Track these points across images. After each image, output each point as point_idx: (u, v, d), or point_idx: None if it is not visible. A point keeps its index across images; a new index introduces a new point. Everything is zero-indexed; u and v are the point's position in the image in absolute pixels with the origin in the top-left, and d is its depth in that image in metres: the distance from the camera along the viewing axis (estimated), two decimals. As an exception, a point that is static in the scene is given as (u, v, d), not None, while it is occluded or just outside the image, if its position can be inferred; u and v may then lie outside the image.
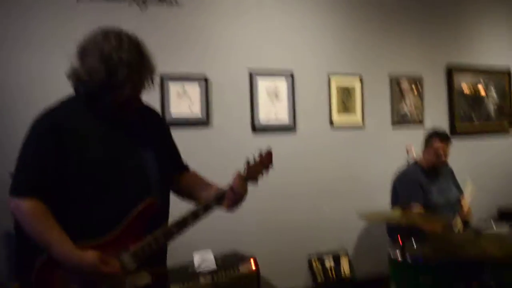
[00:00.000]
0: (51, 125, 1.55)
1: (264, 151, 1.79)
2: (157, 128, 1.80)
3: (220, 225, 3.29)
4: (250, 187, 3.24)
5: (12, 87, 2.89)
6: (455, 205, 3.32)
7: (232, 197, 1.68)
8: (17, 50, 2.92)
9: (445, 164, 3.38)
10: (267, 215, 3.49)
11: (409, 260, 2.45)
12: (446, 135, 3.40)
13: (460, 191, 3.46)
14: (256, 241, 3.39)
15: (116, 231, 1.55)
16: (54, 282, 1.51)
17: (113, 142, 1.61)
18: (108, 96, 1.54)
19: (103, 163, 1.56)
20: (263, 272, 3.18)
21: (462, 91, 4.50)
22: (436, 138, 3.32)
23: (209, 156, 3.22)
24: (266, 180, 3.42)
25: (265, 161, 1.77)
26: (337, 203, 3.73)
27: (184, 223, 1.62)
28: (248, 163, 1.74)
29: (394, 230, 3.08)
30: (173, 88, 3.25)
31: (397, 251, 2.53)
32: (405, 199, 3.07)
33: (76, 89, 1.61)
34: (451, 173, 3.55)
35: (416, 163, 3.41)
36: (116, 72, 1.49)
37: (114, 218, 1.56)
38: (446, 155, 3.32)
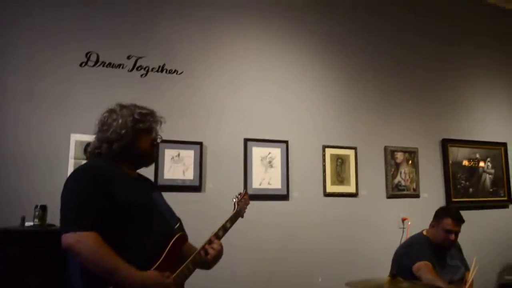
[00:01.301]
0: (96, 173, 1.81)
1: (242, 191, 2.37)
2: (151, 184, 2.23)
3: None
4: (242, 257, 3.22)
5: (11, 140, 2.99)
6: (460, 284, 3.11)
7: (213, 251, 1.98)
8: (18, 106, 3.04)
9: (453, 245, 3.15)
10: (257, 282, 3.39)
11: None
12: (460, 216, 3.14)
13: (467, 268, 3.26)
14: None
15: (158, 262, 1.79)
16: None
17: (138, 190, 1.93)
18: (139, 144, 1.94)
19: (139, 205, 1.85)
20: None
21: (458, 164, 4.53)
22: (448, 218, 3.08)
23: (201, 220, 3.19)
24: (258, 246, 3.44)
25: (245, 197, 2.32)
26: (330, 272, 3.62)
27: (200, 256, 1.95)
28: (235, 199, 2.26)
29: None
30: (168, 153, 3.31)
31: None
32: (413, 259, 2.92)
33: (101, 153, 1.92)
34: (458, 248, 3.35)
35: (422, 234, 3.24)
36: (144, 120, 1.95)
37: (153, 250, 1.81)
38: (456, 236, 3.11)
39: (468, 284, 3.06)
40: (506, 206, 4.80)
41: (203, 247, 1.97)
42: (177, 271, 1.85)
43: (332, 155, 3.84)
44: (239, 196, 2.30)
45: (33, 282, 2.49)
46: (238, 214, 2.24)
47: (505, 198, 4.80)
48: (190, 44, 3.54)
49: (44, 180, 2.92)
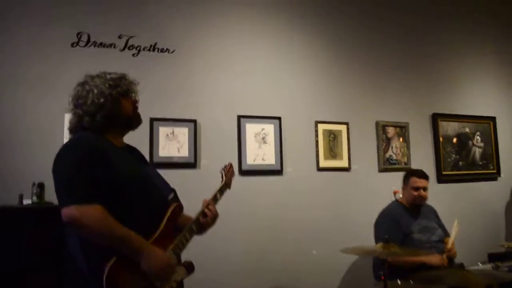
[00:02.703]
0: (90, 145, 1.75)
1: (227, 164, 2.37)
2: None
3: (203, 265, 3.26)
4: (237, 231, 3.28)
5: (7, 121, 3.02)
6: (439, 245, 3.31)
7: (210, 214, 2.03)
8: (13, 88, 3.05)
9: (425, 200, 3.44)
10: (252, 256, 3.46)
11: (393, 296, 2.43)
12: (422, 172, 3.50)
13: (445, 231, 3.47)
14: (240, 282, 3.34)
15: (157, 233, 1.79)
16: (122, 282, 1.64)
17: (131, 162, 1.90)
18: (121, 109, 1.88)
19: (134, 177, 1.82)
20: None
21: (448, 138, 4.60)
22: (413, 176, 3.44)
23: (197, 197, 3.23)
24: (253, 221, 3.50)
25: (231, 169, 2.35)
26: (324, 246, 3.71)
27: (198, 223, 1.98)
28: (222, 172, 2.28)
29: (378, 267, 3.06)
30: (162, 131, 3.34)
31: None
32: (380, 236, 3.08)
33: (86, 127, 1.84)
34: (434, 213, 3.60)
35: (397, 201, 3.51)
36: (119, 84, 1.89)
37: (150, 222, 1.81)
38: (425, 192, 3.40)
39: (449, 246, 3.21)
40: (495, 179, 4.90)
41: (202, 212, 2.01)
42: (175, 241, 1.87)
43: (324, 131, 3.89)
44: (225, 168, 2.34)
45: (33, 259, 2.52)
46: (227, 184, 2.27)
47: (494, 171, 4.90)
48: (181, 22, 3.55)
49: (40, 159, 2.92)
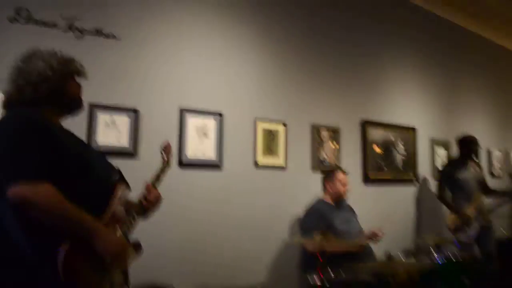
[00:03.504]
0: (33, 121, 1.64)
1: (165, 143, 2.38)
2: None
3: (139, 258, 3.23)
4: (175, 222, 3.27)
5: None
6: (358, 235, 3.64)
7: (152, 197, 2.05)
8: None
9: (346, 195, 3.82)
10: (189, 248, 3.47)
11: (328, 285, 2.57)
12: (343, 170, 3.93)
13: (359, 225, 3.82)
14: (176, 274, 3.35)
15: (107, 215, 1.74)
16: (79, 267, 1.57)
17: (73, 141, 1.81)
18: (68, 88, 1.80)
19: (79, 157, 1.72)
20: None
21: (375, 143, 4.92)
22: (338, 172, 3.86)
23: (135, 187, 3.19)
24: (191, 214, 3.51)
25: (169, 148, 2.37)
26: (258, 239, 3.82)
27: (141, 205, 2.00)
28: (163, 152, 2.33)
29: (307, 259, 3.26)
30: (102, 118, 3.26)
31: (315, 278, 2.64)
32: (307, 227, 3.38)
33: (25, 101, 1.72)
34: (351, 208, 3.94)
35: (319, 199, 3.82)
36: (69, 63, 1.83)
37: (99, 203, 1.75)
38: (347, 186, 3.80)
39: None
40: (413, 184, 5.32)
41: (143, 196, 2.01)
42: (124, 223, 1.86)
43: (264, 130, 4.01)
44: (164, 148, 2.36)
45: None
46: (168, 164, 2.31)
47: (413, 178, 5.30)
48: (128, 8, 3.48)
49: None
